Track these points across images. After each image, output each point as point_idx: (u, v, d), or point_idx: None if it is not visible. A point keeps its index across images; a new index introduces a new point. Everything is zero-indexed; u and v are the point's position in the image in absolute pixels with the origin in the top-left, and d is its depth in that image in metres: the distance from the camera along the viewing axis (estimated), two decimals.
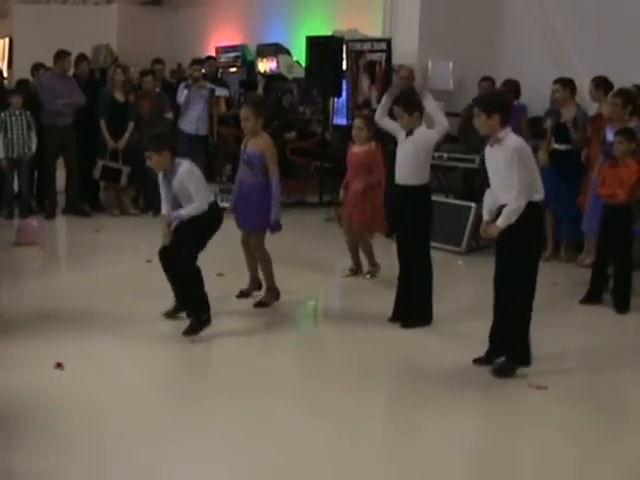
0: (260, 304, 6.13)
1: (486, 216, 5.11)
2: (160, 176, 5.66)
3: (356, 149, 7.18)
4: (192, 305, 5.60)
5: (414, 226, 5.89)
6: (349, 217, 7.28)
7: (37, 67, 10.66)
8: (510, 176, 4.81)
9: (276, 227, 6.14)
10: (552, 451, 4.18)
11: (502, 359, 5.00)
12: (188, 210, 5.48)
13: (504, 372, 4.98)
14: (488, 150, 5.05)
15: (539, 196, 4.94)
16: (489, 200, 5.10)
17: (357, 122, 7.26)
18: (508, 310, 5.03)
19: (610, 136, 6.99)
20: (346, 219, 7.37)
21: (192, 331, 5.50)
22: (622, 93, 7.19)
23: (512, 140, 4.88)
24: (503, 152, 4.87)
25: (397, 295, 6.08)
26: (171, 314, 5.89)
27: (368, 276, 7.26)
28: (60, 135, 9.57)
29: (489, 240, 5.00)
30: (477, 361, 5.23)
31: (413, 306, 6.00)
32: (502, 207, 4.91)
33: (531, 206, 4.85)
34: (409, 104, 5.98)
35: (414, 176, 5.89)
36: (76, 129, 9.66)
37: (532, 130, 8.64)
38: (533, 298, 4.96)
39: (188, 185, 5.45)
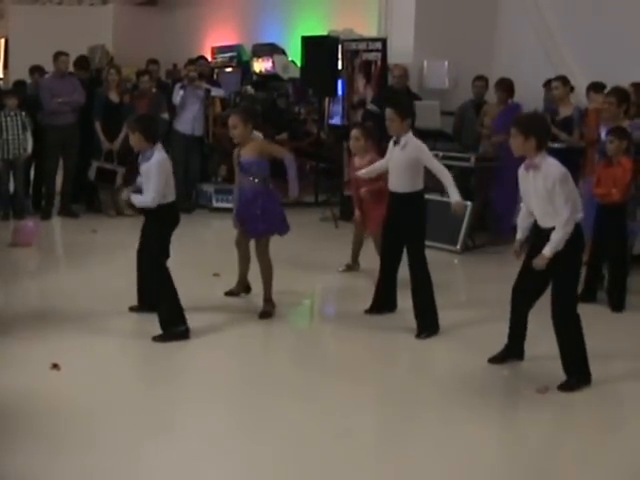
0: (265, 314, 6.13)
1: (519, 234, 5.14)
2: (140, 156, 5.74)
3: (358, 162, 7.13)
4: (165, 317, 5.53)
5: (409, 234, 5.88)
6: (363, 223, 7.32)
7: (35, 69, 10.66)
8: (551, 202, 4.74)
9: (284, 229, 6.16)
10: (551, 450, 4.19)
11: (564, 379, 4.92)
12: (139, 200, 5.56)
13: (569, 389, 4.89)
14: (523, 173, 4.95)
15: (580, 215, 4.89)
16: (524, 223, 5.12)
17: (354, 132, 7.22)
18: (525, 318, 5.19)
19: (604, 135, 7.01)
20: (360, 226, 7.41)
21: (163, 338, 5.48)
22: (616, 92, 7.20)
23: (553, 167, 4.77)
24: (543, 180, 4.78)
25: (376, 290, 6.21)
26: (136, 309, 6.02)
27: None
28: (61, 135, 9.59)
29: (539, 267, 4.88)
30: (493, 360, 5.30)
31: (392, 301, 6.19)
32: (537, 228, 4.93)
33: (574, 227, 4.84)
34: (403, 109, 5.91)
35: (407, 185, 5.86)
36: (81, 130, 9.71)
37: None
38: (577, 314, 4.95)
39: (149, 176, 5.48)
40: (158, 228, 5.62)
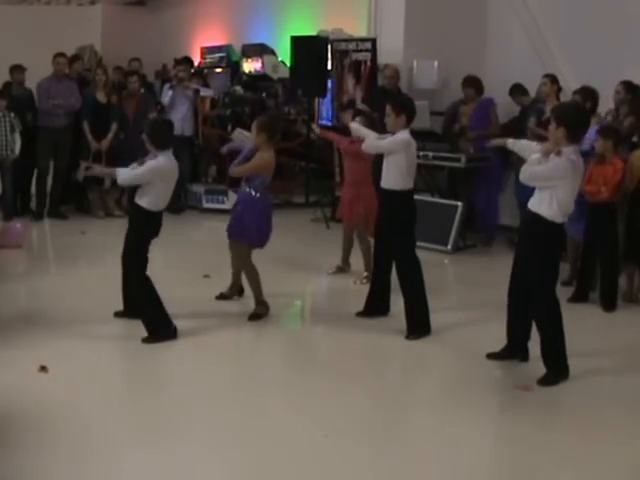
0: (254, 316, 6.10)
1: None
2: None
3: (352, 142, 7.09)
4: (151, 322, 5.51)
5: (397, 233, 5.83)
6: (349, 210, 7.28)
7: (15, 68, 10.54)
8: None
9: (258, 241, 6.11)
10: (541, 448, 4.18)
11: (545, 373, 4.99)
12: (123, 171, 5.69)
13: (549, 383, 4.95)
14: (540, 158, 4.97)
15: (565, 220, 4.98)
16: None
17: (357, 120, 7.19)
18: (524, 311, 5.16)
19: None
20: (346, 212, 7.37)
21: (152, 340, 5.46)
22: (582, 90, 7.28)
23: (571, 154, 4.82)
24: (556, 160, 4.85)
25: (370, 292, 6.17)
26: (121, 314, 5.92)
27: (365, 281, 7.00)
28: (54, 136, 9.58)
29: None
30: (491, 356, 5.31)
31: (384, 303, 6.13)
32: (525, 215, 5.13)
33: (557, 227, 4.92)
34: (397, 104, 5.90)
35: (394, 182, 5.83)
36: (73, 131, 9.68)
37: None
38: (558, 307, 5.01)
39: (142, 168, 5.52)
40: (138, 232, 5.58)
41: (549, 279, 4.98)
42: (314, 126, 7.76)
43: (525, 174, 4.96)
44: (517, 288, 5.13)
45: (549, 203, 4.84)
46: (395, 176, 5.82)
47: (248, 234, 6.08)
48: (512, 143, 5.40)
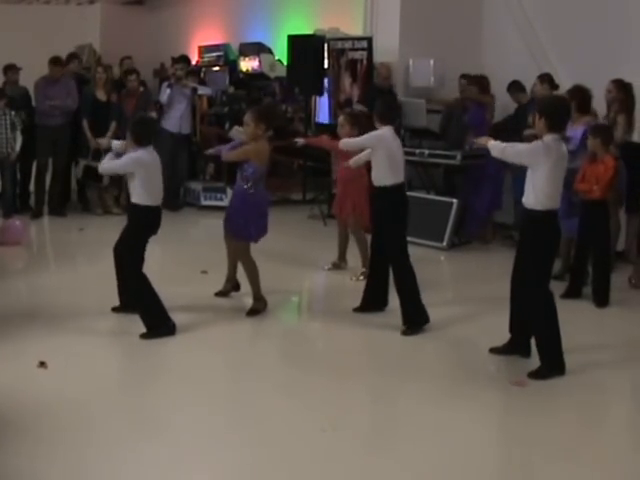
0: (252, 312, 6.14)
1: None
2: None
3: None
4: (148, 319, 5.54)
5: (389, 229, 5.89)
6: (339, 209, 7.40)
7: (9, 68, 10.54)
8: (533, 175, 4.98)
9: (249, 235, 6.12)
10: (535, 443, 4.23)
11: (538, 366, 5.04)
12: (111, 161, 5.67)
13: (540, 377, 5.00)
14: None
15: (556, 205, 5.05)
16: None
17: (340, 119, 7.31)
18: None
19: (568, 132, 7.10)
20: (337, 211, 7.50)
21: (150, 336, 5.50)
22: (570, 90, 7.33)
23: (550, 141, 4.97)
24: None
25: (366, 288, 6.22)
26: (118, 310, 5.96)
27: (362, 277, 6.98)
28: (52, 135, 9.63)
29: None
30: (494, 350, 5.36)
31: (382, 299, 6.16)
32: (523, 211, 5.19)
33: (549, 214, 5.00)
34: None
35: (377, 178, 5.94)
36: (71, 130, 9.73)
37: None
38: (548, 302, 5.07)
39: (123, 160, 5.55)
40: (136, 230, 5.63)
41: (542, 269, 5.04)
42: (297, 140, 7.91)
43: (497, 148, 5.13)
44: (517, 285, 5.20)
45: (533, 194, 4.97)
46: (379, 172, 5.93)
47: (237, 228, 6.06)
48: (492, 146, 5.33)
